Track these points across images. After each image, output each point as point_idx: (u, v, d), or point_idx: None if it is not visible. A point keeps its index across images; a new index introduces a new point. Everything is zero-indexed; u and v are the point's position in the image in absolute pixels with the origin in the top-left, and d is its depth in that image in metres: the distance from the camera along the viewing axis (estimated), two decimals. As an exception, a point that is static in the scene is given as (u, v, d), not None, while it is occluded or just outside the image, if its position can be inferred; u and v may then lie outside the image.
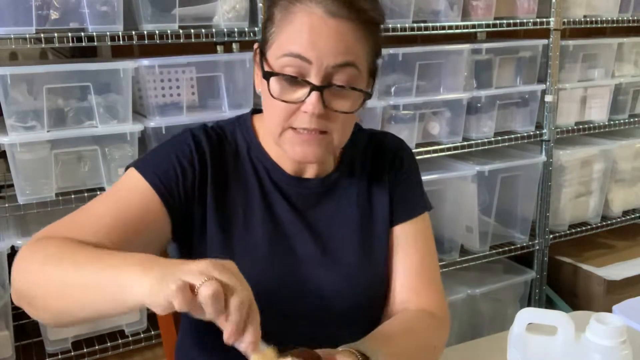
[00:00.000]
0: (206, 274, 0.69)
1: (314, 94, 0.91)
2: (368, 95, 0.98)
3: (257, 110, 1.11)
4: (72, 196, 1.66)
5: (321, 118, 0.93)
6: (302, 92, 0.93)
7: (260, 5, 1.82)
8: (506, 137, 2.33)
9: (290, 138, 0.96)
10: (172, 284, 0.68)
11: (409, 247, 1.10)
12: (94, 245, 0.86)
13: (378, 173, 1.12)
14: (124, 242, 0.91)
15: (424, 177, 1.20)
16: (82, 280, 0.79)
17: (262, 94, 1.00)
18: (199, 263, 0.71)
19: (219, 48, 1.93)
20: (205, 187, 1.02)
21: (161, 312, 0.69)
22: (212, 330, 1.02)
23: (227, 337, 0.71)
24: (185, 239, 1.03)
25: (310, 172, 1.07)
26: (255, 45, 1.02)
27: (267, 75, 0.94)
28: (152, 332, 1.83)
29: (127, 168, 1.02)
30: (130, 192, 0.97)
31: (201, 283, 0.68)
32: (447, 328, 1.10)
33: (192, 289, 0.68)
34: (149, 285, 0.70)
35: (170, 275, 0.69)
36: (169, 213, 0.98)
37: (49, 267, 0.82)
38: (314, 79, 0.92)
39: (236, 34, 1.80)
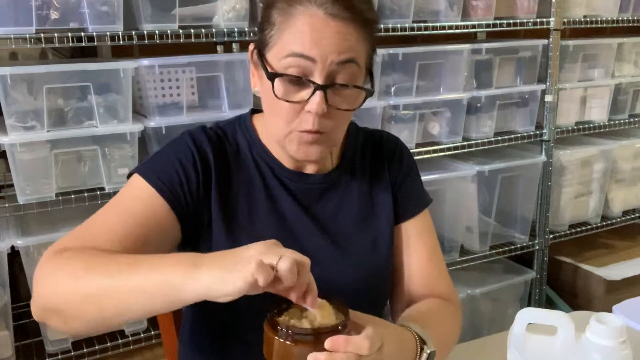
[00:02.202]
0: (267, 254, 0.75)
1: (318, 93, 0.93)
2: (370, 93, 0.99)
3: (256, 110, 1.13)
4: (72, 196, 1.66)
5: (323, 117, 0.95)
6: (305, 92, 0.94)
7: (260, 5, 1.82)
8: (506, 137, 2.33)
9: (294, 140, 0.98)
10: (252, 264, 0.73)
11: (418, 241, 1.14)
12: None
13: (378, 171, 1.15)
14: (137, 249, 0.91)
15: (424, 177, 1.22)
16: (128, 285, 0.79)
17: (263, 96, 1.01)
18: (254, 247, 0.77)
19: (219, 48, 1.92)
20: (209, 186, 1.03)
21: (228, 299, 0.74)
22: (210, 338, 1.03)
23: (296, 300, 0.79)
24: (192, 239, 1.03)
25: (310, 169, 1.09)
26: (251, 47, 1.03)
27: (272, 77, 0.95)
28: (152, 332, 1.83)
29: (129, 174, 1.02)
30: (137, 199, 0.98)
31: (277, 260, 0.75)
32: (460, 317, 1.15)
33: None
34: (213, 277, 0.75)
35: (242, 261, 0.75)
36: (178, 217, 0.99)
37: (84, 278, 0.82)
38: (318, 78, 0.93)
39: (236, 34, 1.80)
